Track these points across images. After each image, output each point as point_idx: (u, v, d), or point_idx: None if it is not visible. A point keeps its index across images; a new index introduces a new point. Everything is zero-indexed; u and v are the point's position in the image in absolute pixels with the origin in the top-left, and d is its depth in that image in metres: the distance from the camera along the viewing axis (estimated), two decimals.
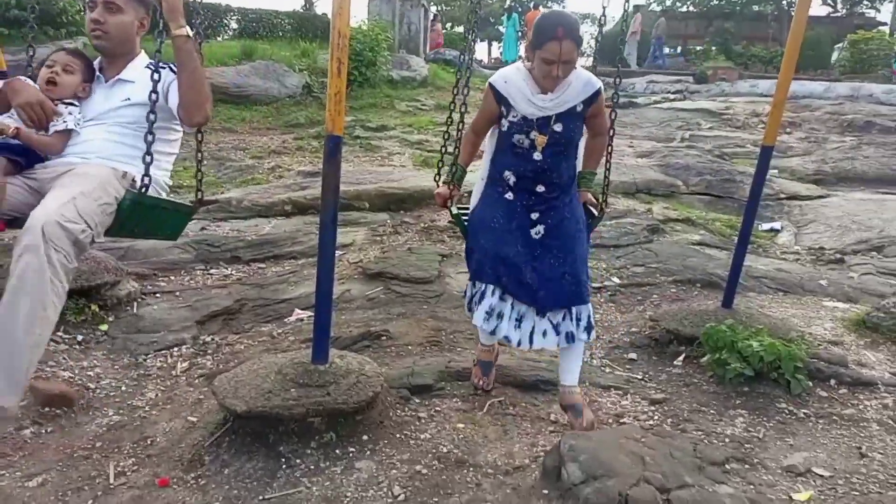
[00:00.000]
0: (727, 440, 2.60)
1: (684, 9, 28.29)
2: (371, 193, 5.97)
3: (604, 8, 2.68)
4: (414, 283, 4.22)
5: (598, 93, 2.55)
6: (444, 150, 2.82)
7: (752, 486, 2.25)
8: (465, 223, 2.73)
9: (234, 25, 16.45)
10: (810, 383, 2.95)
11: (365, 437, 2.48)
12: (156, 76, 2.24)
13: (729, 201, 7.13)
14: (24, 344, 1.91)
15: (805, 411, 2.82)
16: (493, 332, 2.57)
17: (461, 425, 2.66)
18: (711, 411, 2.83)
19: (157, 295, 3.89)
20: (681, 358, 3.32)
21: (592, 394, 2.97)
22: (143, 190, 2.27)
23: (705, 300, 4.11)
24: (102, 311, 3.46)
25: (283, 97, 10.93)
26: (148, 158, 2.22)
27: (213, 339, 3.50)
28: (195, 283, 4.17)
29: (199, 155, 2.61)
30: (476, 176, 2.78)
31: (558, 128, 2.51)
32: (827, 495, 2.24)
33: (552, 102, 2.50)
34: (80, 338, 3.21)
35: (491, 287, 2.53)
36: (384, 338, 3.45)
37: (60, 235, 1.93)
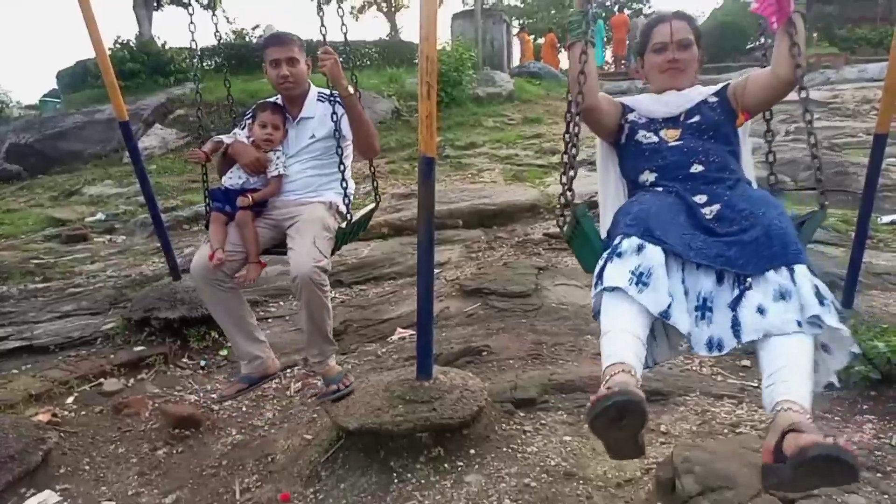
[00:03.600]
0: (855, 448, 2.42)
1: None
2: (464, 211, 6.05)
3: None
4: (512, 298, 4.23)
5: (727, 84, 2.19)
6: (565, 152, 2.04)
7: (886, 496, 2.10)
8: (594, 224, 1.98)
9: None
10: None
11: (472, 451, 2.51)
12: (334, 117, 2.76)
13: (842, 195, 6.66)
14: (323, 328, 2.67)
15: None
16: (665, 314, 1.63)
17: (568, 438, 2.64)
18: (836, 417, 2.67)
19: (269, 320, 4.11)
20: None
21: (704, 404, 2.87)
22: (349, 219, 2.82)
23: None
24: (221, 338, 3.69)
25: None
26: (344, 185, 2.81)
27: None
28: None
29: (372, 170, 3.15)
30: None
31: (694, 119, 2.08)
32: None
33: (680, 98, 2.12)
34: (202, 363, 3.44)
35: (637, 241, 1.69)
36: (485, 353, 3.49)
37: (318, 272, 2.56)
